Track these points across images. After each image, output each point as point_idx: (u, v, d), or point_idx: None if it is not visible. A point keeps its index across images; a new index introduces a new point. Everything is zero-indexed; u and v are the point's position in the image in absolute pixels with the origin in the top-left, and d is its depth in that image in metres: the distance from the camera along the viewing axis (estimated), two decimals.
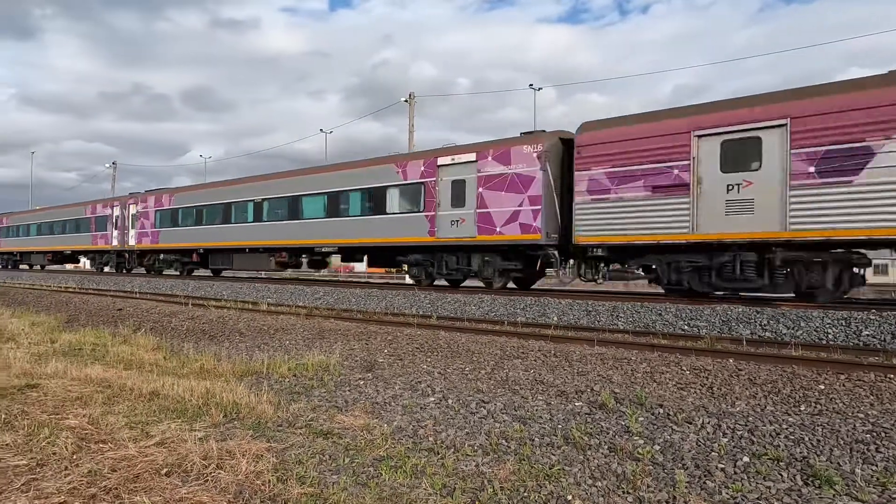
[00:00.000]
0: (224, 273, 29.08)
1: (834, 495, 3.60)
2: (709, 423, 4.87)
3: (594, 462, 4.14)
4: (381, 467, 3.99)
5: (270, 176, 22.34)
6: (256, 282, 21.50)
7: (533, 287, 17.06)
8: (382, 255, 19.12)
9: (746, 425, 4.79)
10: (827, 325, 9.02)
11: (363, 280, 32.28)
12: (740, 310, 10.05)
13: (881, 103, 9.78)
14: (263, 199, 21.67)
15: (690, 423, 4.88)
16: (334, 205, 18.93)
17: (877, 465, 4.02)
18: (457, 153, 16.00)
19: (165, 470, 3.80)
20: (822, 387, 5.90)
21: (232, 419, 5.07)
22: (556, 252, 14.17)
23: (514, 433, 4.70)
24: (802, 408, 5.35)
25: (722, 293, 12.24)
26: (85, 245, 32.52)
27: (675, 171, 11.88)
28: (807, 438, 4.49)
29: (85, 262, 40.31)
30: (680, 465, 4.10)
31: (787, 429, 4.69)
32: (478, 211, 15.11)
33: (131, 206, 28.81)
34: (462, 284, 17.62)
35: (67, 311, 15.50)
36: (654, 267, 12.84)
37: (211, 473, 3.76)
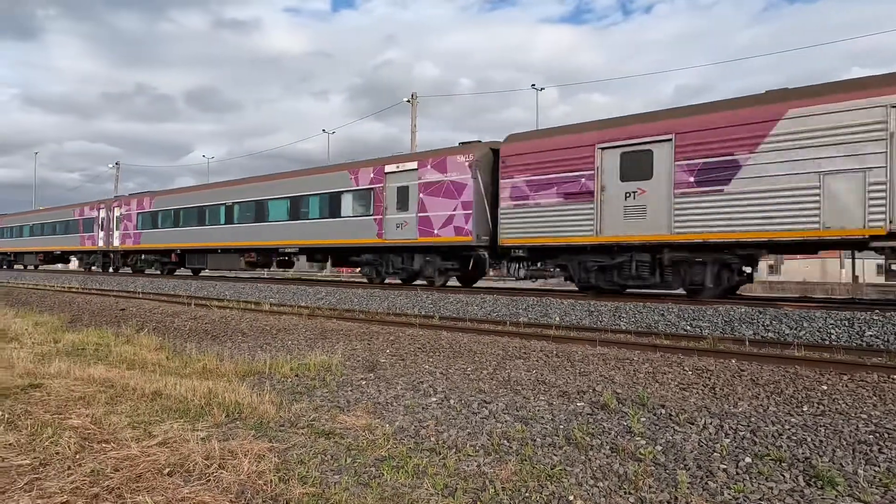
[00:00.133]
0: (203, 273, 30.24)
1: (836, 496, 3.60)
2: (711, 423, 4.87)
3: (596, 462, 4.14)
4: (382, 467, 3.99)
5: (241, 181, 23.91)
6: (259, 282, 21.57)
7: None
8: (339, 256, 20.43)
9: (749, 426, 4.78)
10: (830, 326, 9.00)
11: (365, 280, 32.36)
12: (743, 310, 10.03)
13: (747, 122, 11.10)
14: (234, 203, 23.04)
15: (692, 424, 4.88)
16: (296, 208, 20.26)
17: (879, 466, 4.01)
18: (401, 161, 17.36)
19: (168, 470, 3.81)
20: (825, 387, 5.88)
21: (234, 419, 5.08)
22: (485, 252, 15.35)
23: (515, 433, 4.70)
24: (805, 408, 5.34)
25: (620, 290, 13.43)
26: (74, 246, 33.95)
27: (583, 180, 13.15)
28: (809, 439, 4.48)
29: (74, 263, 41.66)
30: (682, 465, 4.09)
31: (789, 429, 4.68)
32: (419, 215, 16.33)
33: (116, 208, 30.25)
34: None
35: (71, 311, 15.55)
36: (567, 266, 14.01)
37: (213, 473, 3.77)
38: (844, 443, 4.40)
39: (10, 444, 4.26)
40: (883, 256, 10.61)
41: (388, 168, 17.35)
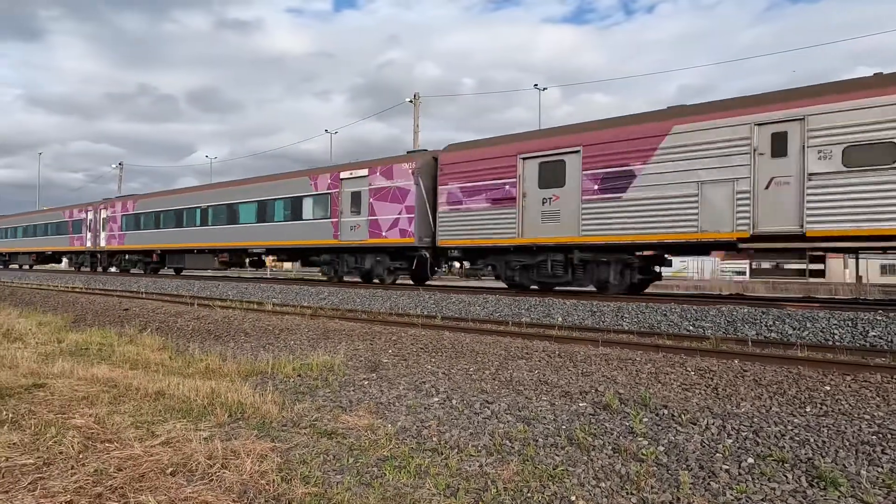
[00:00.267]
0: (184, 272, 31.59)
1: (839, 497, 3.59)
2: (713, 424, 4.86)
3: (598, 463, 4.14)
4: (384, 467, 4.00)
5: (215, 185, 25.69)
6: (261, 282, 21.65)
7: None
8: (301, 255, 21.87)
9: (751, 426, 4.77)
10: (833, 326, 8.98)
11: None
12: (746, 310, 10.01)
13: (640, 136, 12.43)
14: (209, 206, 24.44)
15: (695, 424, 4.87)
16: (263, 211, 21.64)
17: (882, 467, 4.00)
18: (355, 168, 18.57)
19: (171, 469, 3.81)
20: (828, 388, 5.88)
21: (237, 419, 5.09)
22: (426, 253, 16.61)
23: (517, 434, 4.70)
24: (808, 409, 5.33)
25: (538, 287, 14.77)
26: (64, 246, 35.40)
27: (507, 187, 14.53)
28: (812, 440, 4.47)
29: (66, 263, 43.02)
30: (684, 466, 4.09)
31: (792, 430, 4.68)
32: (369, 218, 17.69)
33: (102, 210, 31.63)
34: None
35: (74, 311, 15.58)
36: (495, 265, 15.31)
37: (216, 473, 3.77)
38: (847, 443, 4.39)
39: (14, 444, 4.27)
40: (884, 257, 11.25)
41: (343, 175, 18.68)
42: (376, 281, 18.38)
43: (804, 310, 9.89)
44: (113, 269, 32.37)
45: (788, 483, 3.80)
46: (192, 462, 3.91)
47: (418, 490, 3.67)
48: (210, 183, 26.39)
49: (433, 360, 7.78)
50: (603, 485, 3.81)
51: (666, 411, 5.23)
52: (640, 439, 4.57)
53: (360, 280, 19.16)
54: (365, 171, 18.03)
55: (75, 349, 9.00)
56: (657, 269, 14.06)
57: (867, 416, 5.02)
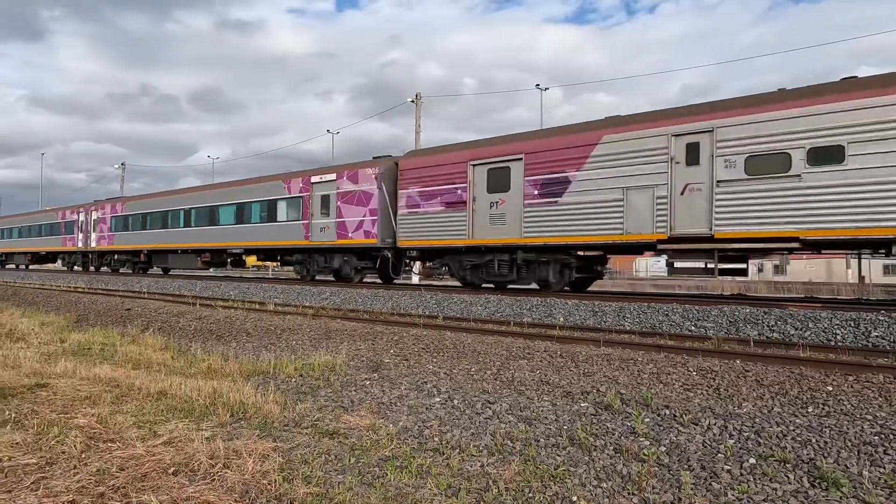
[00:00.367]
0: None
1: (841, 497, 3.59)
2: (715, 424, 4.86)
3: (599, 463, 4.14)
4: (386, 467, 4.00)
5: (197, 188, 26.86)
6: (264, 282, 21.69)
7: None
8: (277, 255, 22.82)
9: (753, 427, 4.77)
10: (835, 327, 8.97)
11: (367, 280, 32.50)
12: (748, 311, 10.00)
13: (574, 145, 13.40)
14: (191, 208, 25.54)
15: (696, 425, 4.87)
16: (241, 213, 22.74)
17: (885, 468, 3.99)
18: (324, 173, 19.56)
19: (173, 469, 3.82)
20: (830, 388, 5.87)
21: (239, 419, 5.10)
22: (388, 253, 17.66)
23: (519, 434, 4.70)
24: (810, 409, 5.32)
25: (492, 284, 15.72)
26: (57, 247, 36.46)
27: (459, 192, 15.53)
28: (814, 440, 4.47)
29: (59, 262, 43.69)
30: (686, 466, 4.09)
31: (794, 430, 4.67)
32: (337, 220, 18.62)
33: (93, 212, 32.71)
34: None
35: (77, 310, 15.61)
36: (449, 265, 16.28)
37: (218, 473, 3.78)
38: (849, 444, 4.39)
39: (16, 443, 4.29)
40: (886, 256, 11.56)
41: (314, 179, 19.65)
42: (344, 279, 19.40)
43: (806, 310, 9.87)
44: (104, 269, 33.26)
45: (790, 483, 3.79)
46: (194, 462, 3.92)
47: (420, 490, 3.67)
48: (191, 186, 27.79)
49: (435, 360, 7.79)
50: (604, 485, 3.81)
51: (668, 411, 5.23)
52: (641, 439, 4.57)
53: (332, 279, 20.16)
54: (333, 176, 19.02)
55: (78, 349, 9.02)
56: (598, 268, 15.27)
57: (869, 417, 5.01)
